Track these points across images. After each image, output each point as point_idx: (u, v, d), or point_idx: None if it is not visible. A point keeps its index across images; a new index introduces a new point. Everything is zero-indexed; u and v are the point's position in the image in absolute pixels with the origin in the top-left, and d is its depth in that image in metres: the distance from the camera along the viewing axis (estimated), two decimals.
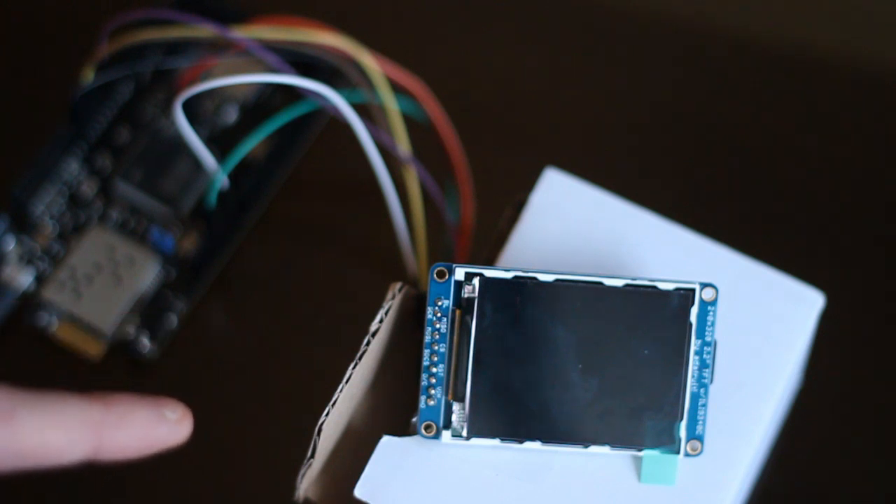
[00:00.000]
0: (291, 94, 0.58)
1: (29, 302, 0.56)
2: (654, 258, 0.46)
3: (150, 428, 0.40)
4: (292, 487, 0.45)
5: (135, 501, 0.54)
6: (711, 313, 0.43)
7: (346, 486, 0.44)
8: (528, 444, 0.43)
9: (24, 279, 0.56)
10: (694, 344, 0.43)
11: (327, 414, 0.43)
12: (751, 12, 0.60)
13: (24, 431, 0.37)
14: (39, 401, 0.38)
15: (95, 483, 0.54)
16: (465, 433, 0.43)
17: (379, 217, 0.53)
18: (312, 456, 0.44)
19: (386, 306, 0.44)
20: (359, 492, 0.43)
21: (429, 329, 0.43)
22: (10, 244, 0.57)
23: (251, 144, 0.55)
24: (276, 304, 0.56)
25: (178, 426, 0.40)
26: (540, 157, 0.50)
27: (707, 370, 0.43)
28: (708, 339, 0.43)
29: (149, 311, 0.56)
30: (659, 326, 0.43)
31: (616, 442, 0.43)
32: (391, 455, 0.44)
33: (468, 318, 0.43)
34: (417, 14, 0.61)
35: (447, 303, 0.43)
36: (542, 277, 0.43)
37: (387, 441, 0.44)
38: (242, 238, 0.57)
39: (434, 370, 0.43)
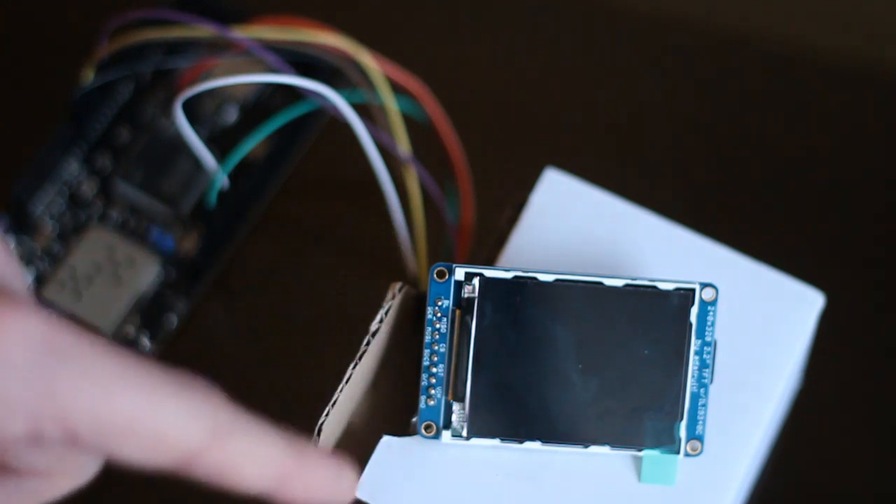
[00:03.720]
0: (291, 94, 0.58)
1: None
2: (654, 258, 0.46)
3: (325, 487, 0.39)
4: None
5: (134, 501, 0.54)
6: (711, 313, 0.43)
7: None
8: (528, 444, 0.43)
9: None
10: (694, 344, 0.43)
11: (327, 414, 0.43)
12: (751, 12, 0.60)
13: (232, 456, 0.37)
14: (253, 427, 0.37)
15: (95, 481, 0.54)
16: (465, 433, 0.43)
17: (379, 217, 0.53)
18: None
19: (386, 306, 0.44)
20: (359, 492, 0.43)
21: (429, 329, 0.43)
22: (10, 244, 0.57)
23: (251, 144, 0.55)
24: (276, 304, 0.56)
25: (348, 490, 0.40)
26: (540, 157, 0.50)
27: (707, 370, 0.43)
28: (708, 339, 0.43)
29: (149, 311, 0.56)
30: (659, 326, 0.43)
31: (616, 442, 0.43)
32: (391, 455, 0.44)
33: (468, 318, 0.43)
34: (417, 14, 0.61)
35: (447, 303, 0.43)
36: (542, 277, 0.43)
37: (387, 441, 0.44)
38: (242, 238, 0.57)
39: (434, 370, 0.43)
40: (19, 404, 0.35)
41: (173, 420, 0.36)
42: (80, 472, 0.38)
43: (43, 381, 0.35)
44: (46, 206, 0.57)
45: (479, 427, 0.43)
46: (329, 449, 0.40)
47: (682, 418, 0.43)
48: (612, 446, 0.43)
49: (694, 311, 0.43)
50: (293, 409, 0.54)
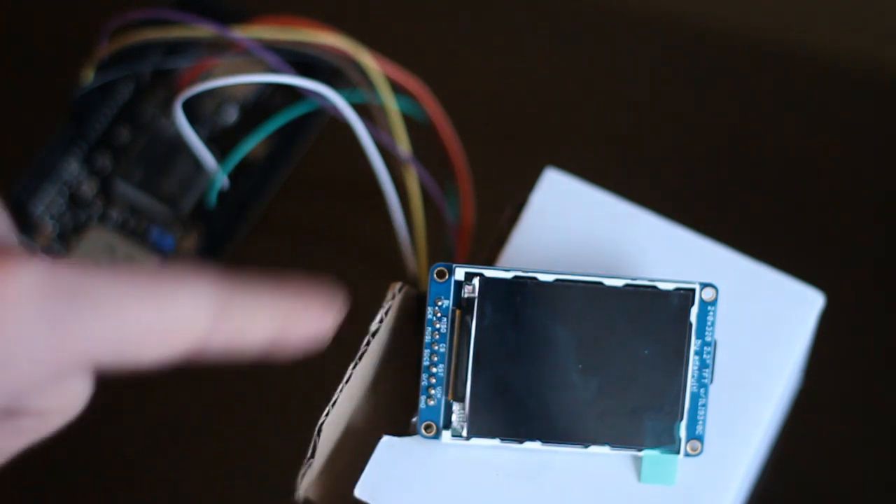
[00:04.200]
0: (291, 94, 0.58)
1: None
2: (654, 258, 0.46)
3: (316, 324, 0.40)
4: (292, 487, 0.45)
5: (134, 501, 0.54)
6: (711, 313, 0.43)
7: (346, 486, 0.44)
8: (528, 444, 0.43)
9: None
10: (694, 344, 0.43)
11: (327, 414, 0.43)
12: (751, 12, 0.60)
13: (235, 328, 0.39)
14: (248, 294, 0.39)
15: (96, 482, 0.54)
16: (465, 433, 0.43)
17: (379, 217, 0.53)
18: (312, 456, 0.44)
19: (386, 306, 0.44)
20: (359, 492, 0.43)
21: (429, 329, 0.43)
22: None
23: (251, 144, 0.55)
24: None
25: (334, 316, 0.41)
26: (540, 157, 0.50)
27: (707, 370, 0.43)
28: (708, 339, 0.43)
29: None
30: (659, 326, 0.43)
31: (616, 442, 0.43)
32: (391, 455, 0.44)
33: (468, 318, 0.43)
34: (417, 14, 0.61)
35: (447, 303, 0.43)
36: (542, 277, 0.43)
37: (387, 441, 0.44)
38: (242, 238, 0.57)
39: (434, 370, 0.43)
40: (39, 354, 0.36)
41: (182, 313, 0.37)
42: (71, 408, 0.39)
43: (57, 325, 0.36)
44: (46, 206, 0.57)
45: (479, 427, 0.43)
46: (309, 288, 0.41)
47: (682, 418, 0.43)
48: (612, 446, 0.43)
49: (694, 311, 0.43)
50: (293, 409, 0.54)
